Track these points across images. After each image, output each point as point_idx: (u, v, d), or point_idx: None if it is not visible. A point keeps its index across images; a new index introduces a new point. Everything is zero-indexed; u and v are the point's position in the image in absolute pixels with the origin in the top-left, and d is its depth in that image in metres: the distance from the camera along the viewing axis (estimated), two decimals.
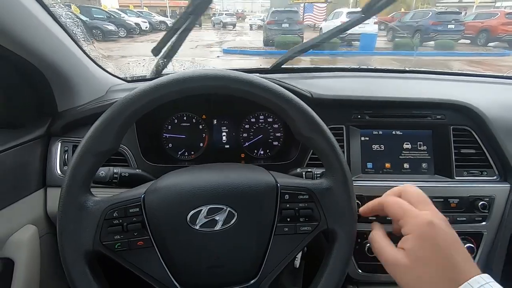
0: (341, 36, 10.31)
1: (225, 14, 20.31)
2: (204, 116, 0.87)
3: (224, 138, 0.88)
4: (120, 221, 0.44)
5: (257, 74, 0.89)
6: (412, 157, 0.79)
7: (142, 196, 0.46)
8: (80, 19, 0.84)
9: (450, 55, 8.96)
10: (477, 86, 1.01)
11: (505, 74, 1.16)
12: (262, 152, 0.88)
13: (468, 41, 11.26)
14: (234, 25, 19.13)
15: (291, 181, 0.49)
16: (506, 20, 10.22)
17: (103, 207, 0.44)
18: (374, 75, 1.04)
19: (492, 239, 0.75)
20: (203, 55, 8.09)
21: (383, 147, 0.79)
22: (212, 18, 21.42)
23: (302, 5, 16.05)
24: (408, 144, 0.79)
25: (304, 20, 14.32)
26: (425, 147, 0.79)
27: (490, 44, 10.59)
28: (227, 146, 0.88)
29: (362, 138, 0.79)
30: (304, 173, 0.63)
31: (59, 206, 0.43)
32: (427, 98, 0.78)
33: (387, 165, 0.78)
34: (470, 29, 10.96)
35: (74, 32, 0.77)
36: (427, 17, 10.94)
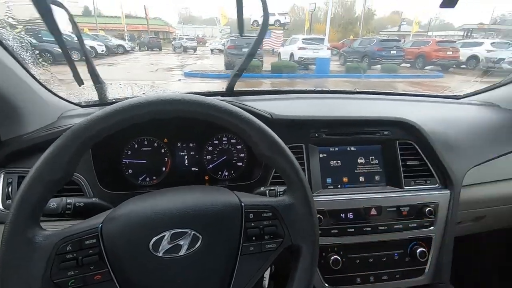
0: (298, 60, 11.06)
1: (186, 38, 20.50)
2: (165, 139, 0.85)
3: (187, 161, 0.87)
4: (75, 255, 0.41)
5: (219, 97, 0.92)
6: (366, 170, 0.85)
7: (100, 226, 0.44)
8: (29, 41, 0.80)
9: (394, 77, 9.97)
10: (417, 104, 1.14)
11: (439, 94, 1.33)
12: (226, 173, 0.88)
13: (408, 65, 12.61)
14: (195, 49, 19.33)
15: (255, 199, 0.51)
16: (437, 47, 11.73)
17: (55, 241, 0.41)
18: (329, 96, 1.12)
19: (440, 242, 0.83)
20: (164, 78, 8.01)
21: (340, 163, 0.84)
22: (173, 42, 21.47)
23: None
24: (362, 158, 0.85)
25: (263, 45, 15.00)
26: (376, 161, 0.86)
27: (426, 67, 11.98)
28: (191, 169, 0.87)
29: (321, 155, 0.83)
30: (267, 191, 0.65)
31: (2, 241, 0.39)
32: (374, 116, 0.86)
33: (345, 179, 0.83)
34: (409, 54, 12.37)
35: (22, 56, 0.73)
36: (372, 44, 12.19)
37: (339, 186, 0.83)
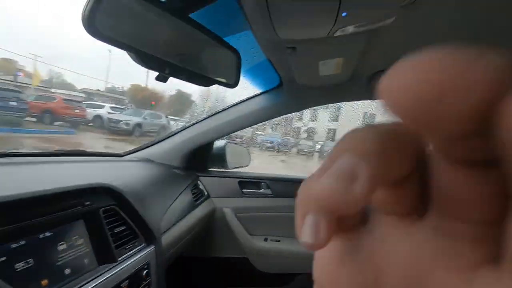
0: None
1: None
2: None
3: None
4: None
5: None
6: (72, 257, 0.65)
7: None
8: None
9: (20, 132, 8.64)
10: (89, 164, 1.06)
11: (103, 152, 1.36)
12: None
13: (35, 119, 11.47)
14: None
15: None
16: (64, 104, 11.89)
17: None
18: None
19: None
20: None
21: (31, 262, 0.57)
22: None
23: None
24: (63, 244, 0.64)
25: None
26: (81, 240, 0.69)
27: (56, 123, 11.61)
28: None
29: None
30: None
31: None
32: (73, 185, 0.69)
33: (44, 282, 0.57)
34: (34, 108, 11.28)
35: None
36: None
37: None
